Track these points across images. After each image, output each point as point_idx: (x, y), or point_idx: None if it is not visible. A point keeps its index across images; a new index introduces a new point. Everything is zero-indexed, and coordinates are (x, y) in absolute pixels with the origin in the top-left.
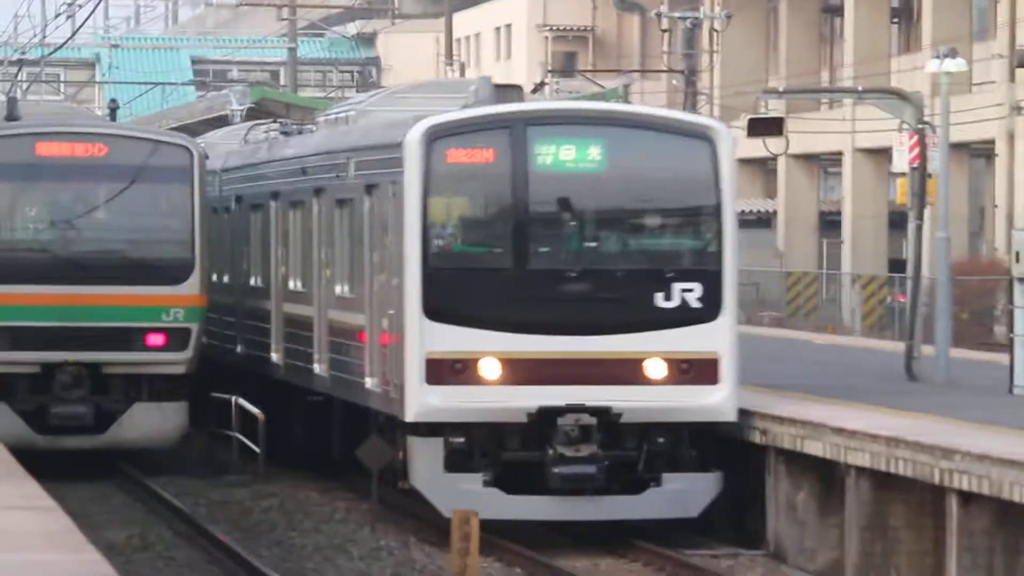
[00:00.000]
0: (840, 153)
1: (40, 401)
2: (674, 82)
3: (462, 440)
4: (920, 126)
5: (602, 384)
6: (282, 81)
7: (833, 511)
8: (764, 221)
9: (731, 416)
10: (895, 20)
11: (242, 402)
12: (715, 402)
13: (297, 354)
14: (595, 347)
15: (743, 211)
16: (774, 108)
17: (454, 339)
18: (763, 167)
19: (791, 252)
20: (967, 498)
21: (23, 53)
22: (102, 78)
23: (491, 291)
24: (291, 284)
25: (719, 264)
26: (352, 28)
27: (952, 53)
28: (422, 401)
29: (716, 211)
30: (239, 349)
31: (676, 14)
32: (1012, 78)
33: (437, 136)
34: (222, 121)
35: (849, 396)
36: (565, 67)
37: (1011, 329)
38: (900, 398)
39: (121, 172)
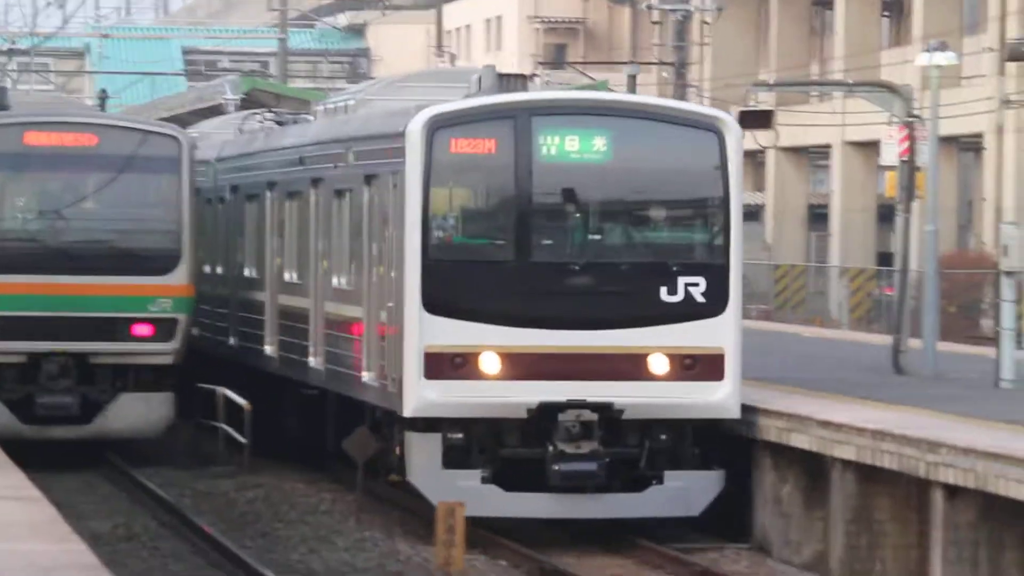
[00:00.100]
0: (829, 146)
1: (27, 391)
2: (664, 74)
3: (460, 436)
4: (909, 119)
5: (604, 380)
6: (272, 71)
7: (819, 504)
8: (752, 214)
9: (735, 413)
10: (886, 13)
11: (228, 393)
12: (719, 399)
13: (292, 347)
14: (598, 342)
15: None
16: (764, 101)
17: (454, 333)
18: (752, 160)
19: (779, 245)
20: (952, 492)
21: (13, 43)
22: (92, 68)
23: (492, 284)
24: (287, 275)
25: (725, 258)
26: (342, 19)
27: (942, 46)
28: (420, 396)
29: (723, 204)
30: (232, 341)
31: (667, 6)
32: (1002, 72)
33: (440, 125)
34: (215, 111)
35: (835, 389)
36: (556, 59)
37: (998, 322)
38: (886, 391)
39: (110, 162)
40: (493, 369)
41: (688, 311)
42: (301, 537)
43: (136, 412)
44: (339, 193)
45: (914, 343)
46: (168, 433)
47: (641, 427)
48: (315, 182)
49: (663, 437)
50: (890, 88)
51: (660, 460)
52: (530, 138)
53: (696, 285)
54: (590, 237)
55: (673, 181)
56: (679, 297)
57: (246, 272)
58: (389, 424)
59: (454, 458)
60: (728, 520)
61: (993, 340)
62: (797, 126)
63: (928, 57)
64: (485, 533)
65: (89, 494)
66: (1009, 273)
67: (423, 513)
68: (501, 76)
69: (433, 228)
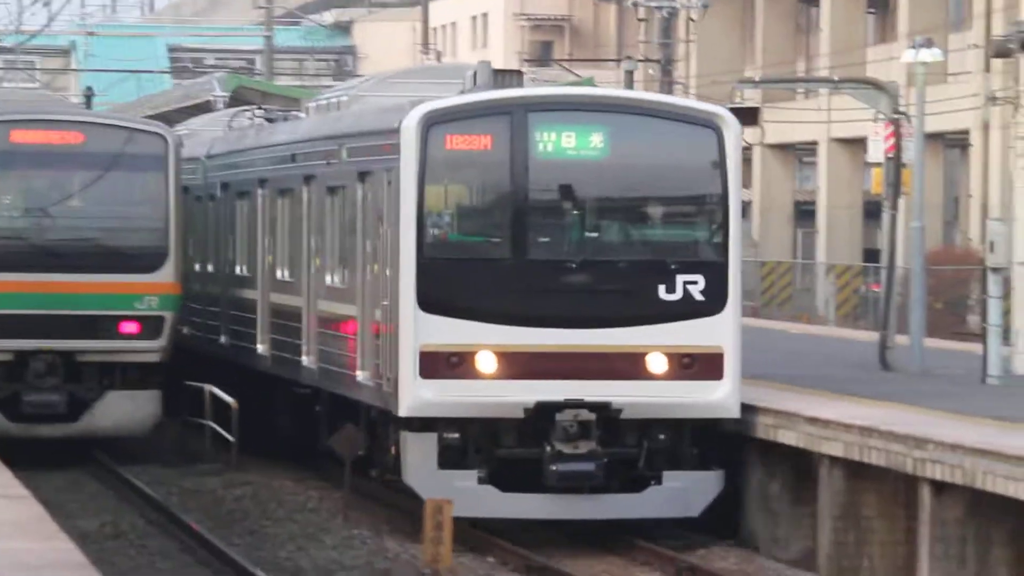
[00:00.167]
0: (815, 143)
1: (13, 389)
2: (650, 71)
3: (456, 436)
4: (895, 116)
5: (602, 379)
6: (258, 69)
7: (806, 501)
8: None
9: (735, 412)
10: (871, 10)
11: (215, 391)
12: (718, 398)
13: (284, 346)
14: (595, 341)
15: None
16: (750, 98)
17: (449, 331)
18: None
19: (766, 242)
20: (940, 487)
21: None
22: (78, 66)
23: (488, 282)
24: (279, 273)
25: (724, 256)
26: (328, 16)
27: (928, 43)
28: (416, 395)
29: (722, 201)
30: (223, 340)
31: (652, 3)
32: (987, 68)
33: (435, 121)
34: (203, 108)
35: (823, 386)
36: (542, 56)
37: (984, 319)
38: (873, 388)
39: (96, 160)
40: (489, 368)
41: (687, 309)
42: (289, 535)
43: (123, 410)
44: (332, 190)
45: (901, 339)
46: (156, 431)
47: (639, 427)
48: (307, 179)
49: (662, 437)
50: (876, 85)
51: (659, 460)
52: (526, 134)
53: (695, 283)
54: (587, 235)
55: (671, 178)
56: (678, 295)
57: (237, 270)
58: (384, 424)
59: (450, 458)
60: (719, 517)
61: (979, 336)
62: (783, 123)
63: (914, 54)
64: (472, 530)
65: (76, 492)
66: (995, 269)
67: (411, 510)
68: (496, 72)
69: (428, 225)
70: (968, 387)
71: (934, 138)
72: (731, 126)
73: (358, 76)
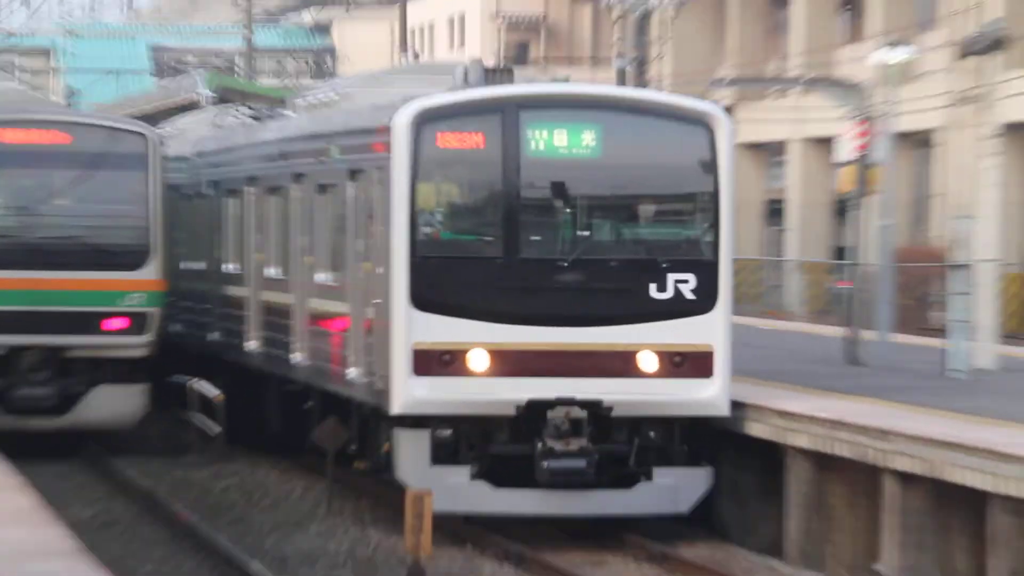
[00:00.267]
0: (787, 142)
1: (4, 383)
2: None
3: (449, 433)
4: (867, 115)
5: (593, 377)
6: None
7: (775, 491)
8: None
9: (724, 411)
10: (844, 9)
11: (201, 384)
12: (708, 396)
13: (275, 343)
14: (587, 339)
15: None
16: (723, 97)
17: (442, 330)
18: None
19: (737, 239)
20: (903, 478)
21: None
22: (59, 66)
23: (480, 280)
24: (269, 271)
25: (715, 254)
26: (308, 16)
27: (899, 43)
28: (409, 393)
29: (713, 200)
30: (213, 337)
31: (628, 3)
32: (958, 68)
33: (427, 119)
34: (189, 106)
35: (792, 380)
36: (518, 56)
37: (950, 314)
38: (841, 382)
39: (80, 159)
40: (482, 366)
41: (677, 308)
42: (274, 523)
43: (111, 403)
44: (322, 188)
45: (868, 335)
46: (145, 423)
47: (630, 424)
48: (297, 177)
49: (652, 434)
50: (846, 84)
51: (649, 457)
52: (518, 132)
53: (685, 282)
54: (579, 233)
55: (663, 176)
56: (669, 294)
57: (227, 268)
58: (376, 421)
59: (443, 455)
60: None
61: (943, 331)
62: (755, 122)
63: (884, 54)
64: (452, 520)
65: (68, 482)
66: (960, 266)
67: (393, 501)
68: (487, 70)
69: (420, 224)
70: (932, 381)
71: (904, 137)
72: (723, 124)
73: (337, 75)
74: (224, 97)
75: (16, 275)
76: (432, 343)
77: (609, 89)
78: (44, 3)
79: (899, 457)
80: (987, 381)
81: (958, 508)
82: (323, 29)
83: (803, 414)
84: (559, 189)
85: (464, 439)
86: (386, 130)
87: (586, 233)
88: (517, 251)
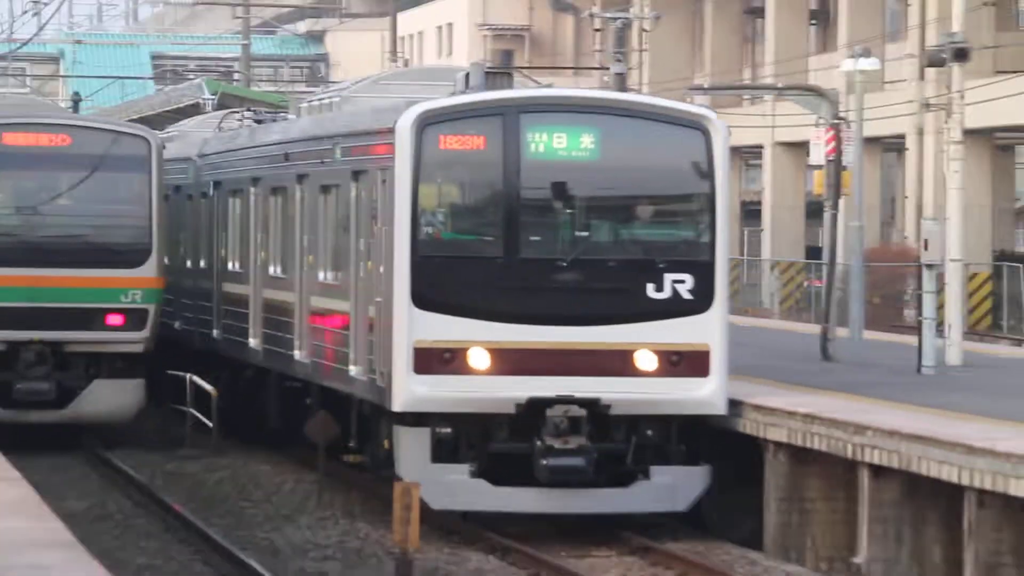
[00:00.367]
0: (761, 147)
1: (5, 377)
2: (605, 79)
3: (449, 430)
4: (836, 121)
5: (592, 375)
6: (235, 76)
7: (754, 483)
8: None
9: (721, 409)
10: (813, 21)
11: (196, 379)
12: (705, 395)
13: (277, 340)
14: (586, 338)
15: None
16: (699, 104)
17: (443, 328)
18: None
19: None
20: (878, 471)
21: None
22: (66, 72)
23: (481, 280)
24: (272, 270)
25: (711, 255)
26: (303, 26)
27: (866, 53)
28: (410, 390)
29: (709, 201)
30: (215, 334)
31: (608, 14)
32: (922, 77)
33: (429, 122)
34: (191, 111)
35: (768, 375)
36: (503, 64)
37: (920, 312)
38: (816, 377)
39: (83, 161)
40: (482, 364)
41: (675, 308)
42: (265, 515)
43: (109, 397)
44: (325, 189)
45: (841, 332)
46: (141, 417)
47: (628, 423)
48: (301, 178)
49: (650, 433)
50: (817, 92)
51: (647, 455)
52: (518, 135)
53: (682, 282)
54: (578, 234)
55: (660, 178)
56: (666, 294)
57: (230, 266)
58: (376, 418)
59: (443, 452)
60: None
61: (915, 329)
62: (730, 127)
63: (853, 63)
64: (439, 512)
65: (65, 475)
66: (930, 266)
67: (380, 492)
68: (488, 73)
69: (423, 224)
70: (904, 377)
71: (872, 142)
72: (719, 128)
73: (331, 82)
74: (224, 103)
75: (16, 272)
76: (433, 341)
77: (608, 94)
78: (54, 13)
79: (874, 451)
80: (956, 377)
81: (932, 501)
82: (317, 38)
83: (780, 409)
84: (559, 190)
85: (464, 437)
86: (390, 132)
87: (585, 234)
88: (517, 251)
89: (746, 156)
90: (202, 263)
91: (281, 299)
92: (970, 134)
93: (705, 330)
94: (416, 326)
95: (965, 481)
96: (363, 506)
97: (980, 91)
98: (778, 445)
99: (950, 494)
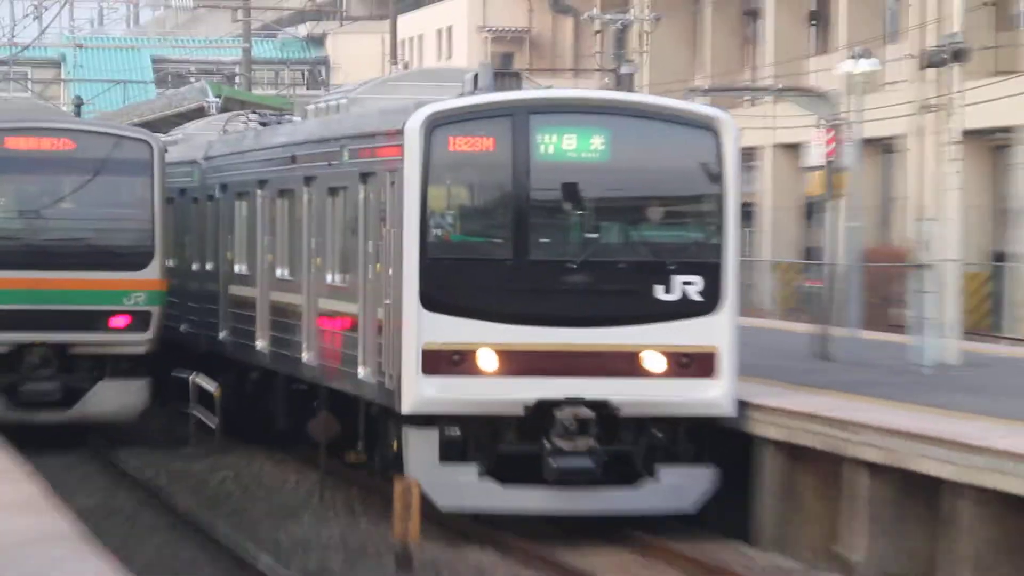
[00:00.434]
0: (760, 148)
1: (12, 379)
2: (605, 80)
3: (458, 432)
4: (835, 122)
5: (601, 377)
6: (236, 80)
7: (750, 480)
8: None
9: (730, 411)
10: (812, 23)
11: (200, 379)
12: (713, 396)
13: (283, 342)
14: (595, 339)
15: None
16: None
17: (452, 330)
18: None
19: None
20: (873, 469)
21: None
22: (68, 76)
23: (490, 282)
24: (279, 272)
25: (721, 257)
26: (303, 29)
27: (865, 54)
28: (418, 392)
29: (719, 203)
30: (222, 336)
31: (607, 16)
32: (921, 78)
33: (438, 123)
34: (195, 114)
35: (765, 375)
36: (503, 66)
37: (917, 312)
38: (812, 376)
39: (86, 165)
40: (491, 366)
41: (684, 309)
42: (269, 512)
43: (114, 398)
44: (333, 191)
45: (839, 331)
46: (146, 417)
47: (637, 424)
48: (308, 180)
49: (658, 434)
50: (816, 93)
51: (655, 456)
52: (528, 136)
53: (692, 284)
54: (587, 235)
55: (670, 180)
56: (675, 295)
57: (236, 268)
58: (385, 420)
59: (451, 453)
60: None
61: (910, 329)
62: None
63: (852, 64)
64: (437, 510)
65: (73, 473)
66: (927, 266)
67: (382, 490)
68: (497, 74)
69: (432, 226)
70: (900, 376)
71: (870, 143)
72: (730, 129)
73: (331, 85)
74: (228, 106)
75: (22, 275)
76: (442, 343)
77: (618, 94)
78: (55, 17)
79: (870, 449)
80: (951, 376)
81: (926, 498)
82: (318, 41)
83: (777, 407)
84: (568, 192)
85: (473, 438)
86: (398, 134)
87: (595, 235)
88: (527, 253)
89: (745, 157)
90: (208, 266)
91: (288, 301)
92: (969, 135)
93: (714, 332)
94: (425, 328)
95: (958, 478)
96: (364, 503)
97: (979, 91)
98: (773, 443)
99: (937, 490)
